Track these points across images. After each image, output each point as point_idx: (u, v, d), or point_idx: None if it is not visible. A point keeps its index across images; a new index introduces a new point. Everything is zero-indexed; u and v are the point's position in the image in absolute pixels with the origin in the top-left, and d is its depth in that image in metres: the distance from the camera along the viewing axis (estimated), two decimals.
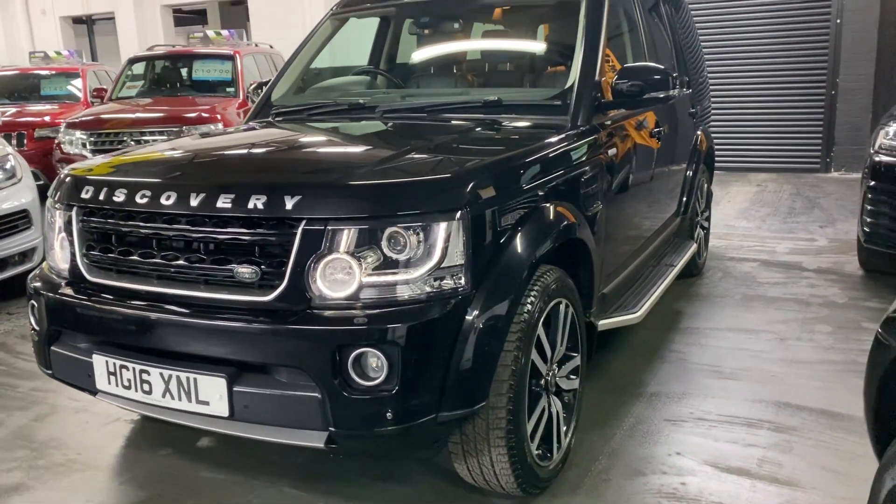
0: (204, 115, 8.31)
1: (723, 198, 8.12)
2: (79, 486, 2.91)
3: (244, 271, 2.28)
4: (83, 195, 2.60)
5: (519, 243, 2.45)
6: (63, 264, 2.69)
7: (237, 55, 9.64)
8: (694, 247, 4.89)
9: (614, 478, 2.82)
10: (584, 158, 2.99)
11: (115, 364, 2.44)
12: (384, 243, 2.21)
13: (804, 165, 9.73)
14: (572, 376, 2.82)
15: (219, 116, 8.41)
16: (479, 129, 3.08)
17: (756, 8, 9.73)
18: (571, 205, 2.83)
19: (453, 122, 3.23)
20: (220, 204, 2.31)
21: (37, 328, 2.72)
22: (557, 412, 2.70)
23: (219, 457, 3.08)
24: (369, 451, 2.52)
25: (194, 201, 2.35)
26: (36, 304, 2.70)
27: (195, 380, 2.30)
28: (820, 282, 5.14)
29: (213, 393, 2.28)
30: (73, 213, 2.63)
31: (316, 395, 2.19)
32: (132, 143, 7.90)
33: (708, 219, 5.63)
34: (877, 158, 4.77)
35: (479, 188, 2.34)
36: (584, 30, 3.36)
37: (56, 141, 8.48)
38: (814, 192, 8.43)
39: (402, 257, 2.22)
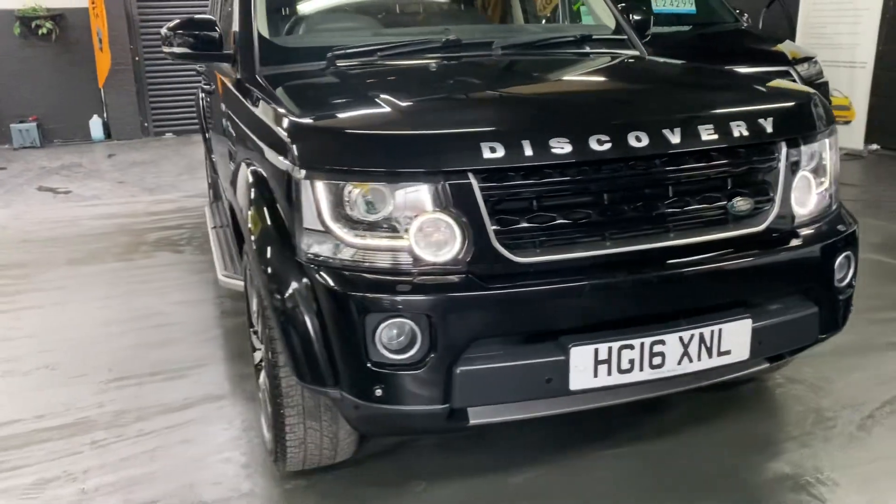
0: None
1: None
2: None
3: (742, 203, 2.15)
4: (489, 155, 1.94)
5: None
6: (442, 254, 1.96)
7: None
8: None
9: None
10: None
11: (610, 349, 1.99)
12: (817, 159, 2.37)
13: None
14: None
15: None
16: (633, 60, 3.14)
17: None
18: None
19: (594, 55, 3.21)
20: (705, 137, 2.10)
21: (422, 353, 1.93)
22: None
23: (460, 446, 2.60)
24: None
25: (674, 138, 2.07)
26: (426, 317, 1.91)
27: (719, 331, 2.09)
28: None
29: (736, 339, 2.12)
30: (473, 181, 1.94)
31: (814, 310, 2.27)
32: None
33: None
34: None
35: None
36: None
37: None
38: None
39: (819, 171, 2.40)
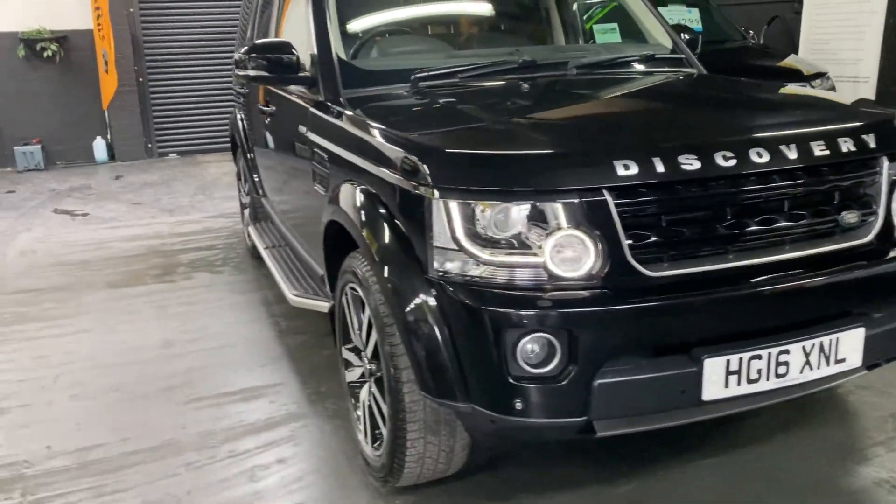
0: None
1: None
2: None
3: (850, 216, 2.24)
4: (622, 172, 2.00)
5: None
6: (576, 269, 2.01)
7: None
8: None
9: None
10: None
11: (741, 359, 2.05)
12: None
13: None
14: None
15: None
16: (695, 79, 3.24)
17: None
18: None
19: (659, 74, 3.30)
20: (818, 153, 2.18)
21: (561, 366, 1.97)
22: None
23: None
24: None
25: (791, 154, 2.15)
26: (566, 332, 1.95)
27: (836, 340, 2.16)
28: None
29: (850, 347, 2.19)
30: (608, 198, 2.00)
31: None
32: None
33: None
34: None
35: None
36: None
37: None
38: None
39: None
